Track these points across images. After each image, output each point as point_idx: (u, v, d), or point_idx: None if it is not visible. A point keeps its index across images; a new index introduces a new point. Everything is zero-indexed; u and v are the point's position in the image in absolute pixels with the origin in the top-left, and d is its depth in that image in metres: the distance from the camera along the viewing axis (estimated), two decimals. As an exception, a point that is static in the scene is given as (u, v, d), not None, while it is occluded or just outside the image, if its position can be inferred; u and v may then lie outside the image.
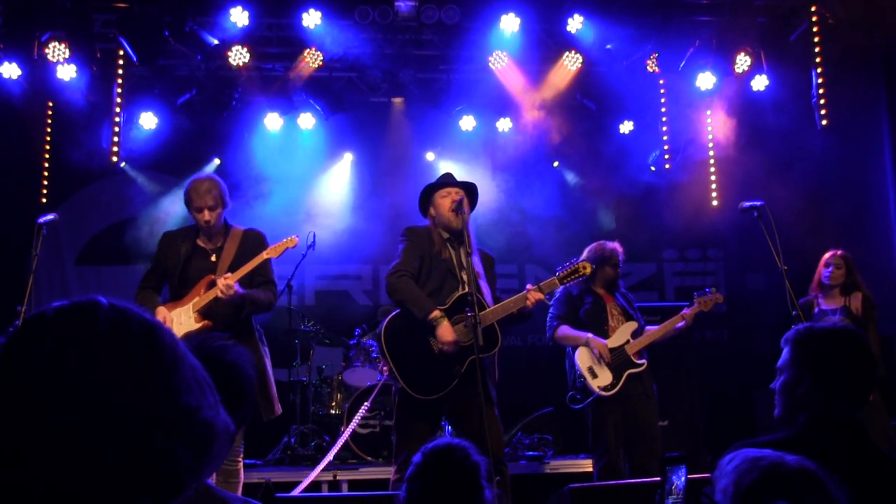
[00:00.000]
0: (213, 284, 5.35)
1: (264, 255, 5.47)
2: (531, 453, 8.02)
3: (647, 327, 6.67)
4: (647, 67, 9.28)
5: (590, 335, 6.31)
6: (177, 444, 1.16)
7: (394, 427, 5.43)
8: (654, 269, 10.85)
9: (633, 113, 9.94)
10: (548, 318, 6.64)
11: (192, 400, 1.20)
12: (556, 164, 10.48)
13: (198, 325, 5.30)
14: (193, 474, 1.21)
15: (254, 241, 5.61)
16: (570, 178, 10.56)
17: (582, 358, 6.31)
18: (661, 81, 9.58)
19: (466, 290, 5.08)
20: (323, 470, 7.50)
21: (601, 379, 6.25)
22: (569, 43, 9.15)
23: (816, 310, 6.83)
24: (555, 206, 9.99)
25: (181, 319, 5.34)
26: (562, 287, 6.03)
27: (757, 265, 9.92)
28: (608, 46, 9.04)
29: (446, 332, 5.01)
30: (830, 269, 6.83)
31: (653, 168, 10.28)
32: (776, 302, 6.97)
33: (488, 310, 5.16)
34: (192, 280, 5.46)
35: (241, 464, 5.35)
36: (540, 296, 5.27)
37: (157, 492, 1.16)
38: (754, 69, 9.16)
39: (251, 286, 5.42)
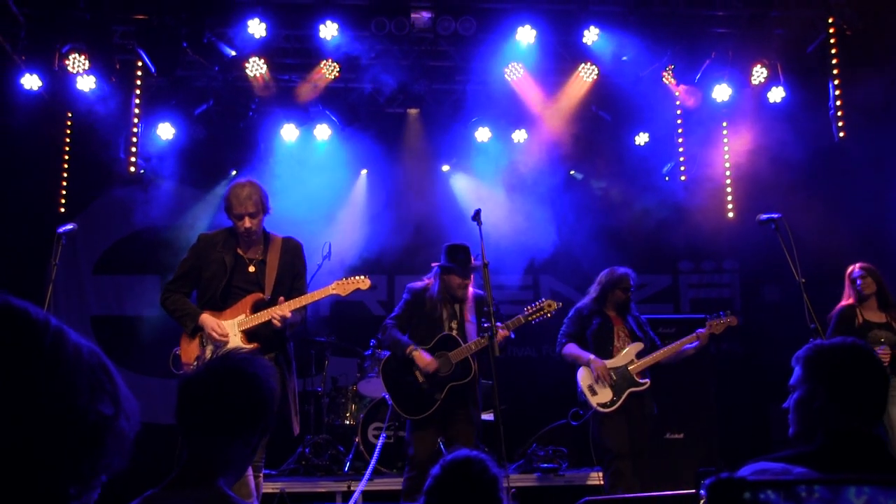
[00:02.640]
0: (259, 304, 5.30)
1: (331, 291, 5.46)
2: (546, 465, 7.99)
3: (663, 348, 6.79)
4: (663, 79, 9.27)
5: (591, 356, 6.62)
6: (58, 440, 1.16)
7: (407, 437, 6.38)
8: (670, 281, 10.81)
9: (649, 124, 9.93)
10: (558, 335, 6.92)
11: (81, 401, 1.20)
12: (572, 172, 10.47)
13: (248, 347, 5.21)
14: (80, 474, 1.21)
15: (294, 253, 5.53)
16: (585, 189, 10.55)
17: (583, 376, 6.64)
18: (677, 93, 9.55)
19: (447, 332, 6.24)
20: (337, 480, 7.52)
21: (600, 396, 6.56)
22: (584, 55, 9.15)
23: (860, 321, 6.81)
24: (569, 218, 9.97)
25: (230, 335, 5.27)
26: (574, 308, 6.84)
27: (773, 277, 9.88)
28: (624, 58, 9.03)
29: (421, 359, 6.11)
30: (859, 280, 6.84)
31: (667, 178, 10.26)
32: (793, 314, 6.93)
33: (461, 347, 6.18)
34: (233, 292, 5.37)
35: (262, 475, 5.34)
36: (506, 333, 6.09)
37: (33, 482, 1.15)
38: (771, 81, 9.14)
39: (289, 295, 5.38)
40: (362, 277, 5.61)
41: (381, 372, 6.45)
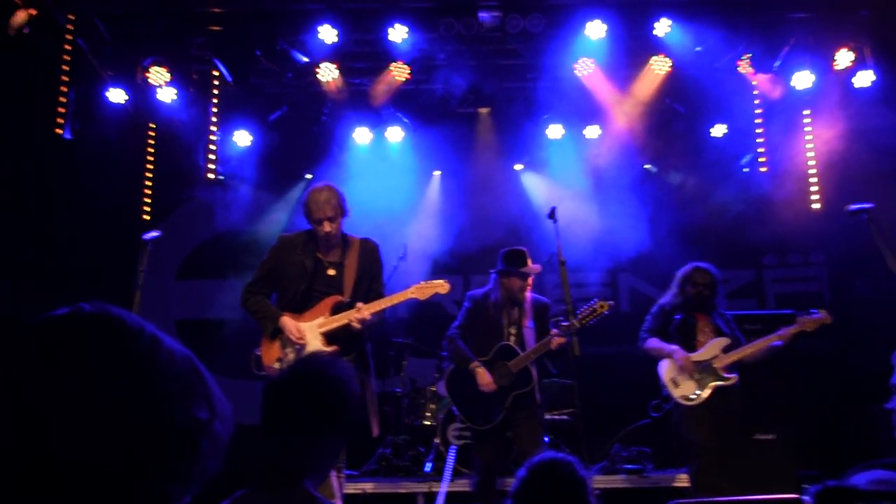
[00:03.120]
0: (339, 307, 5.34)
1: (410, 295, 5.48)
2: (630, 466, 7.87)
3: (749, 344, 6.61)
4: (739, 69, 9.06)
5: (675, 347, 6.51)
6: (156, 445, 1.17)
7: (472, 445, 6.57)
8: (753, 276, 10.56)
9: (726, 115, 9.70)
10: (640, 331, 6.83)
11: (177, 406, 1.21)
12: (647, 166, 10.32)
13: (328, 349, 5.27)
14: (179, 478, 1.21)
15: (372, 254, 5.56)
16: (661, 184, 10.38)
17: (666, 369, 6.53)
18: (755, 82, 9.32)
19: (506, 341, 6.29)
20: (418, 481, 7.54)
21: (684, 389, 6.43)
22: (656, 47, 9.01)
23: None
24: (646, 213, 9.81)
25: (310, 337, 5.33)
26: (657, 305, 6.77)
27: (864, 270, 9.55)
28: (697, 49, 8.85)
29: (483, 378, 6.18)
30: None
31: (746, 170, 10.02)
32: (887, 309, 6.70)
33: (519, 357, 6.22)
34: (313, 295, 5.43)
35: (344, 475, 5.38)
36: (561, 340, 6.07)
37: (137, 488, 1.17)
38: (857, 65, 8.84)
39: (367, 300, 5.43)
40: (441, 282, 5.60)
41: (446, 383, 6.63)
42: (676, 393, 6.42)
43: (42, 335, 1.19)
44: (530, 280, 6.42)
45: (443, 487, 7.10)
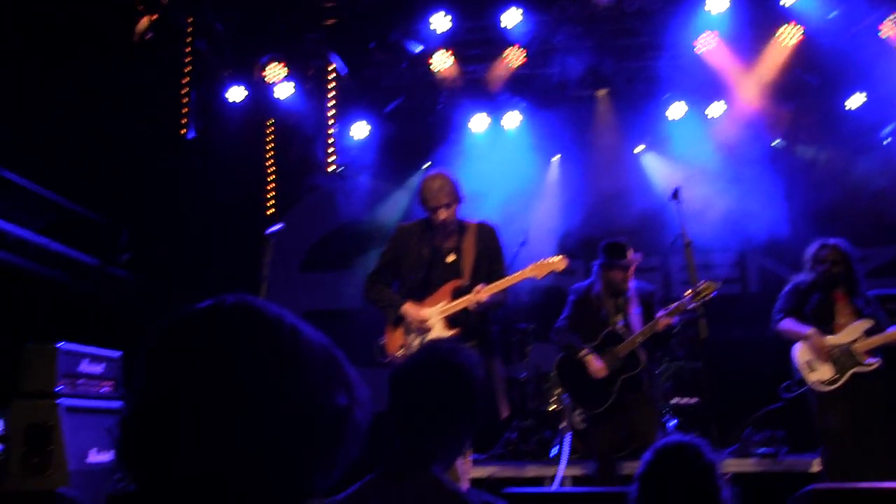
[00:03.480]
0: (459, 291, 5.37)
1: (527, 274, 5.50)
2: (763, 450, 7.61)
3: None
4: (881, 32, 8.52)
5: (811, 330, 6.20)
6: (300, 434, 1.19)
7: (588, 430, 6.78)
8: (894, 254, 10.02)
9: (864, 84, 9.18)
10: (773, 311, 6.54)
11: (318, 394, 1.22)
12: (776, 142, 9.92)
13: (450, 333, 5.33)
14: (322, 465, 1.23)
15: (489, 237, 5.59)
16: (792, 160, 9.97)
17: (801, 352, 6.25)
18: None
19: (612, 328, 6.38)
20: (545, 465, 7.52)
21: (820, 373, 6.16)
22: (785, 16, 8.63)
23: None
24: (777, 191, 9.41)
25: (431, 323, 5.39)
26: (792, 283, 6.50)
27: None
28: (832, 15, 8.42)
29: (592, 365, 6.24)
30: None
31: (887, 142, 9.48)
32: None
33: (626, 341, 6.27)
34: (433, 282, 5.48)
35: (470, 460, 5.39)
36: (667, 321, 6.16)
37: (287, 477, 1.19)
38: None
39: (489, 282, 5.40)
40: (558, 258, 5.57)
41: (556, 371, 6.81)
42: (812, 377, 6.15)
43: (187, 327, 1.23)
44: (631, 270, 6.48)
45: (560, 471, 7.06)
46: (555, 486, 6.98)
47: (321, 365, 1.25)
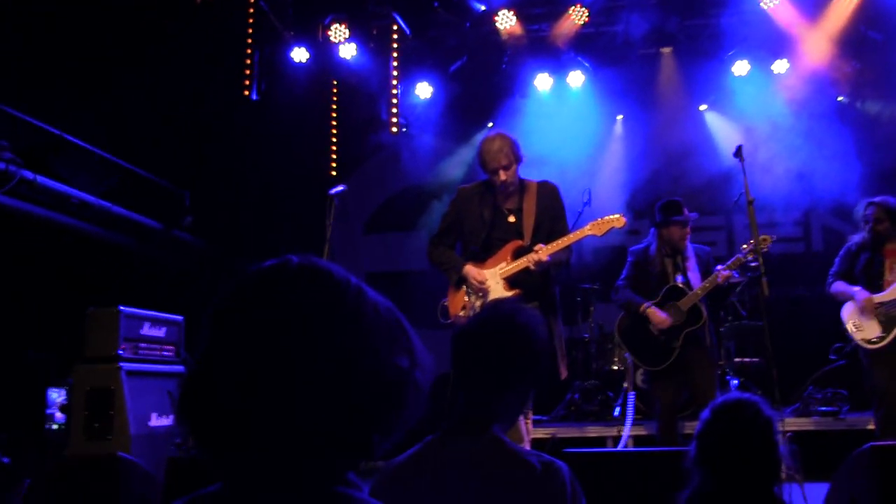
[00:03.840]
0: (520, 252, 5.39)
1: (587, 232, 5.46)
2: (824, 408, 7.57)
3: None
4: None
5: (857, 289, 6.21)
6: (364, 393, 1.21)
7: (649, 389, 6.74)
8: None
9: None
10: (828, 275, 6.58)
11: (382, 355, 1.24)
12: (840, 98, 9.70)
13: (510, 293, 5.33)
14: (384, 426, 1.25)
15: (550, 196, 5.55)
16: (858, 116, 9.74)
17: (848, 312, 6.26)
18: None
19: (671, 284, 6.36)
20: (607, 426, 7.57)
21: (867, 332, 6.13)
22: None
23: None
24: (842, 149, 9.22)
25: (491, 284, 5.43)
26: (845, 246, 6.51)
27: None
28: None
29: (656, 317, 6.25)
30: None
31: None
32: None
33: (688, 295, 6.25)
34: (494, 243, 5.47)
35: (531, 421, 5.45)
36: (726, 274, 6.15)
37: (350, 428, 1.21)
38: None
39: (549, 239, 5.44)
40: (618, 216, 5.53)
41: (617, 331, 6.72)
42: (858, 336, 6.13)
43: (253, 287, 1.26)
44: (688, 229, 6.45)
45: (626, 431, 7.11)
46: (621, 447, 7.04)
47: (384, 327, 1.28)
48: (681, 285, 6.33)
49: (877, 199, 6.34)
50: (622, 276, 6.65)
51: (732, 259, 6.20)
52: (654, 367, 6.32)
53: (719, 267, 6.17)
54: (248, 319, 1.21)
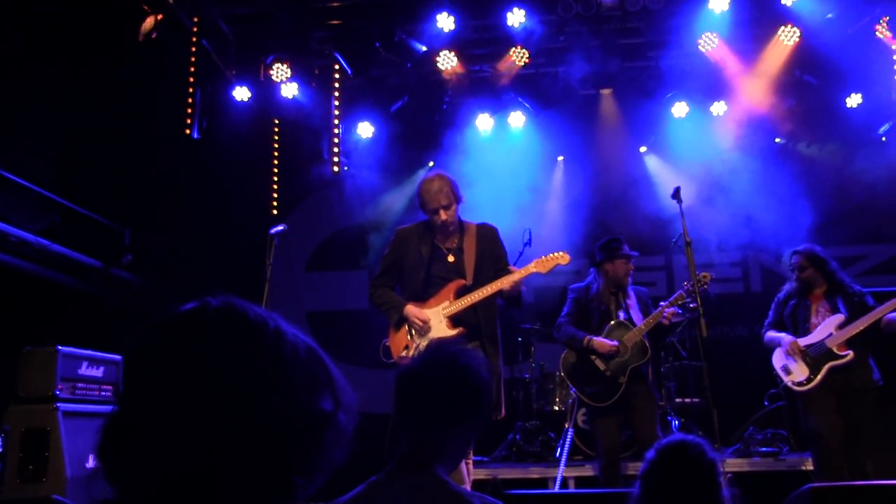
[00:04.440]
0: (462, 290, 5.39)
1: (531, 270, 5.48)
2: (764, 449, 7.66)
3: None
4: (877, 33, 8.58)
5: (783, 335, 6.40)
6: (282, 436, 1.19)
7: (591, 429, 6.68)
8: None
9: (861, 84, 9.24)
10: (763, 326, 6.75)
11: (302, 397, 1.22)
12: (777, 140, 9.95)
13: (453, 332, 5.33)
14: (306, 468, 1.23)
15: (490, 237, 5.59)
16: (793, 159, 10.00)
17: (777, 358, 6.42)
18: (895, 47, 8.82)
19: (615, 320, 6.42)
20: (549, 466, 7.54)
21: (795, 374, 6.29)
22: (784, 16, 8.68)
23: None
24: (779, 189, 9.43)
25: (434, 323, 5.42)
26: (777, 297, 6.65)
27: None
28: (829, 16, 8.48)
29: (601, 344, 6.28)
30: None
31: (884, 139, 9.52)
32: None
33: (633, 330, 6.32)
34: (434, 282, 5.49)
35: (472, 462, 5.42)
36: (671, 311, 6.25)
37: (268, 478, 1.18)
38: None
39: (495, 278, 5.42)
40: (561, 253, 5.58)
41: (562, 366, 6.67)
42: (789, 380, 6.28)
43: (169, 330, 1.23)
44: (632, 265, 6.55)
45: (560, 470, 7.09)
46: (556, 488, 7.01)
47: (305, 368, 1.25)
48: (624, 321, 6.41)
49: (801, 247, 6.58)
50: (563, 314, 6.69)
51: (675, 295, 6.34)
52: (600, 403, 6.33)
53: (663, 303, 6.27)
54: (163, 364, 1.19)
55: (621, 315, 6.45)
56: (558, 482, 7.09)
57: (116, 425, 1.20)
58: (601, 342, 6.30)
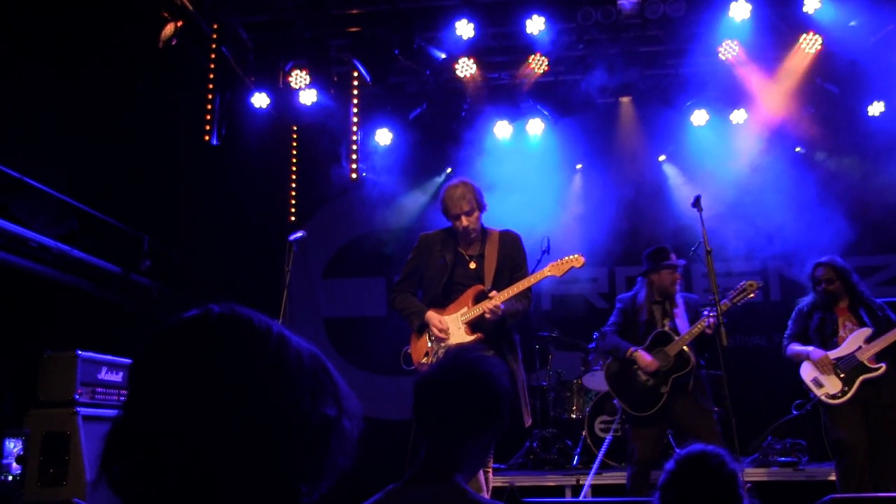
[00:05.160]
0: (480, 296, 5.38)
1: (546, 273, 5.47)
2: (783, 459, 7.60)
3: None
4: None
5: (811, 349, 6.34)
6: (285, 442, 1.19)
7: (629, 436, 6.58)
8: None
9: (883, 93, 9.17)
10: (783, 339, 6.70)
11: (305, 404, 1.22)
12: (798, 149, 9.90)
13: (471, 338, 5.33)
14: (310, 475, 1.23)
15: (513, 244, 5.59)
16: (814, 167, 9.93)
17: (807, 371, 6.35)
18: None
19: (660, 328, 6.40)
20: (566, 474, 7.51)
21: (828, 388, 6.23)
22: (805, 24, 8.63)
23: None
24: (799, 198, 9.37)
25: (452, 329, 5.41)
26: (796, 308, 6.62)
27: None
28: (851, 23, 8.42)
29: (642, 359, 6.27)
30: None
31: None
32: None
33: (676, 341, 6.27)
34: (455, 289, 5.49)
35: (491, 470, 5.40)
36: (713, 321, 6.06)
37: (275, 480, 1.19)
38: None
39: (510, 285, 5.41)
40: (577, 256, 5.55)
41: (605, 375, 6.67)
42: (821, 393, 6.22)
43: (173, 338, 1.24)
44: (678, 274, 6.51)
45: (589, 478, 7.07)
46: (582, 495, 7.00)
47: (308, 374, 1.25)
48: (668, 331, 6.37)
49: (825, 259, 6.49)
50: (609, 322, 6.69)
51: (721, 302, 6.17)
52: (641, 412, 6.31)
53: (706, 312, 6.18)
54: (167, 371, 1.20)
55: (668, 325, 6.41)
56: (586, 489, 7.08)
57: (121, 431, 1.20)
58: (643, 357, 6.29)
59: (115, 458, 1.19)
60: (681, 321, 6.39)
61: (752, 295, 6.20)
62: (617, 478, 7.35)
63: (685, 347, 6.25)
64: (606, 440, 7.46)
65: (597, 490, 7.36)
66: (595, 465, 7.25)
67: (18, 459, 5.74)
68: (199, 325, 1.24)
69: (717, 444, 4.80)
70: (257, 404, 1.18)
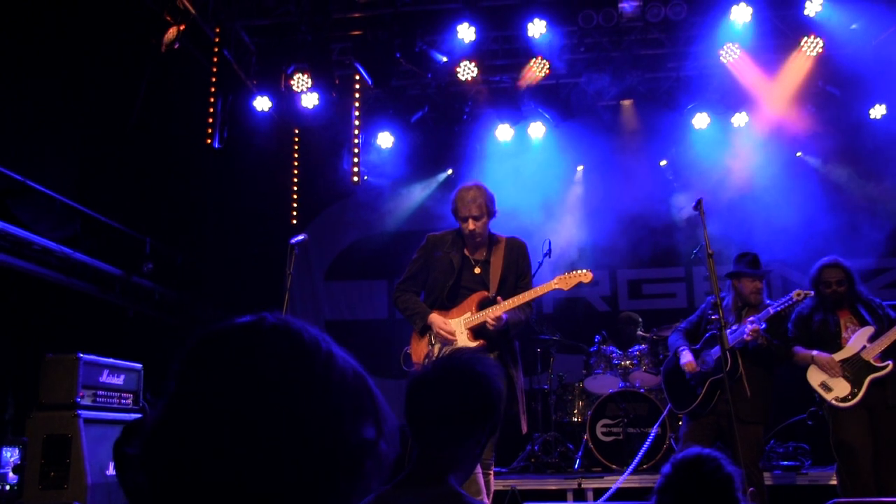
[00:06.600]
0: (485, 303, 5.38)
1: (553, 286, 5.45)
2: (786, 462, 7.58)
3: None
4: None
5: (814, 352, 6.21)
6: (322, 463, 1.17)
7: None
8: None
9: (885, 95, 9.17)
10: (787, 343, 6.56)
11: (346, 425, 1.20)
12: (798, 154, 9.89)
13: (474, 344, 5.32)
14: (341, 497, 1.20)
15: (518, 252, 5.56)
16: (817, 170, 9.93)
17: (813, 375, 6.24)
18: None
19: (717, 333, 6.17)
20: (567, 478, 7.50)
21: (837, 391, 6.12)
22: (807, 27, 8.64)
23: None
24: (799, 201, 9.36)
25: (456, 333, 5.38)
26: (796, 311, 6.43)
27: None
28: (853, 27, 8.43)
29: (683, 356, 6.34)
30: None
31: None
32: None
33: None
34: (459, 292, 5.46)
35: (493, 472, 5.39)
36: (757, 328, 5.98)
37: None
38: None
39: (512, 295, 5.41)
40: (584, 271, 5.53)
41: (663, 372, 6.76)
42: (830, 397, 6.09)
43: (226, 341, 1.22)
44: (761, 283, 6.40)
45: (622, 478, 7.09)
46: (604, 498, 7.04)
47: (351, 394, 1.23)
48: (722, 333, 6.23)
49: (832, 261, 6.36)
50: (686, 320, 6.78)
51: (765, 313, 6.13)
52: (680, 409, 6.45)
53: (750, 319, 6.07)
54: (217, 373, 1.18)
55: (731, 329, 6.22)
56: (611, 491, 7.08)
57: (163, 426, 1.18)
58: (683, 355, 6.36)
59: (153, 452, 1.17)
60: (739, 328, 6.20)
61: (800, 302, 6.16)
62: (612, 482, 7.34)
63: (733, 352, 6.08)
64: (648, 439, 7.43)
65: (600, 494, 7.34)
66: (632, 465, 7.26)
67: (15, 469, 5.74)
68: (252, 331, 1.22)
69: (745, 453, 4.69)
70: (299, 420, 1.16)
